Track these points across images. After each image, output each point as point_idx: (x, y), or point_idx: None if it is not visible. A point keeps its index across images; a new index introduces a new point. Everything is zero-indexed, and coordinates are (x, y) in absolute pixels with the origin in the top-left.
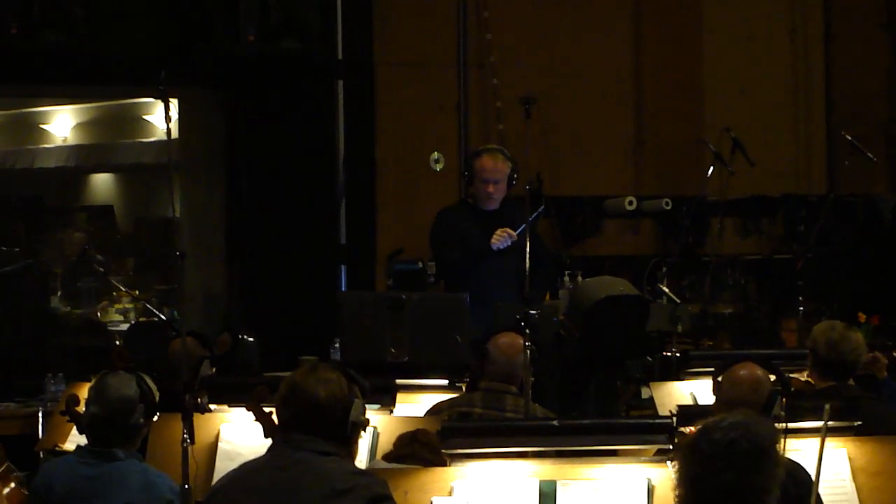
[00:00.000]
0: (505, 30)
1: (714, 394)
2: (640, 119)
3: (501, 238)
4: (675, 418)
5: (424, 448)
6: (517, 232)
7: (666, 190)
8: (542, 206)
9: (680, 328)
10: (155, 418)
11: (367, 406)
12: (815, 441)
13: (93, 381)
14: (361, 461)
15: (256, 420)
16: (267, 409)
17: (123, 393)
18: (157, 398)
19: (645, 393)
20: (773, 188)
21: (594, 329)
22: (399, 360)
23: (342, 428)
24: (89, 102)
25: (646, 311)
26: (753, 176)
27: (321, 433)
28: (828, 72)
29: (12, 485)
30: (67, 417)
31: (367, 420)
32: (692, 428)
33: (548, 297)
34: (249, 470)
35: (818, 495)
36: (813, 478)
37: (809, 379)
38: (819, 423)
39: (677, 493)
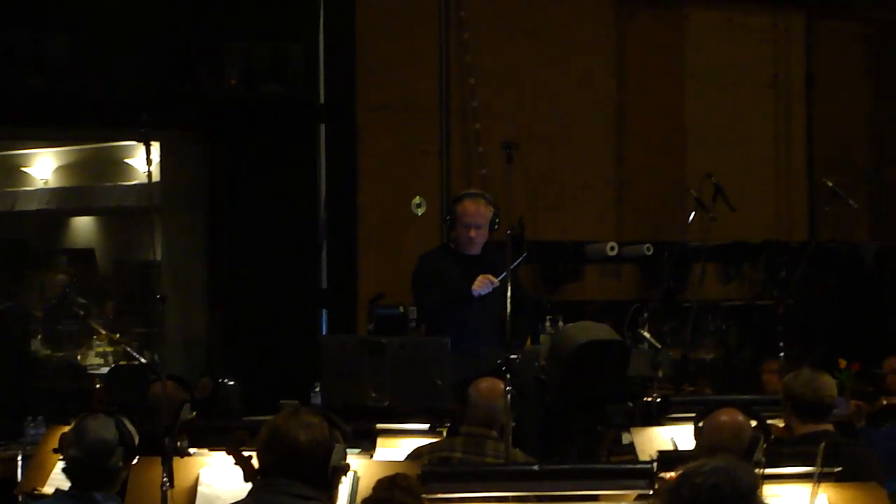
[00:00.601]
0: (488, 75)
1: (695, 439)
2: (622, 165)
3: (483, 284)
4: (655, 464)
5: (404, 493)
6: (499, 278)
7: (647, 235)
8: (525, 254)
9: (661, 373)
10: (134, 462)
11: (347, 450)
12: (794, 487)
13: (72, 424)
14: None
15: (236, 464)
16: (247, 453)
17: (102, 436)
18: (137, 441)
19: (626, 438)
20: (755, 234)
21: (575, 374)
22: (380, 405)
23: (323, 473)
24: (71, 145)
25: (627, 356)
26: (735, 222)
27: (302, 478)
28: (809, 118)
29: None
30: (59, 456)
31: (348, 465)
32: (672, 473)
33: (529, 342)
34: None
35: None
36: None
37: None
38: (800, 469)
39: None
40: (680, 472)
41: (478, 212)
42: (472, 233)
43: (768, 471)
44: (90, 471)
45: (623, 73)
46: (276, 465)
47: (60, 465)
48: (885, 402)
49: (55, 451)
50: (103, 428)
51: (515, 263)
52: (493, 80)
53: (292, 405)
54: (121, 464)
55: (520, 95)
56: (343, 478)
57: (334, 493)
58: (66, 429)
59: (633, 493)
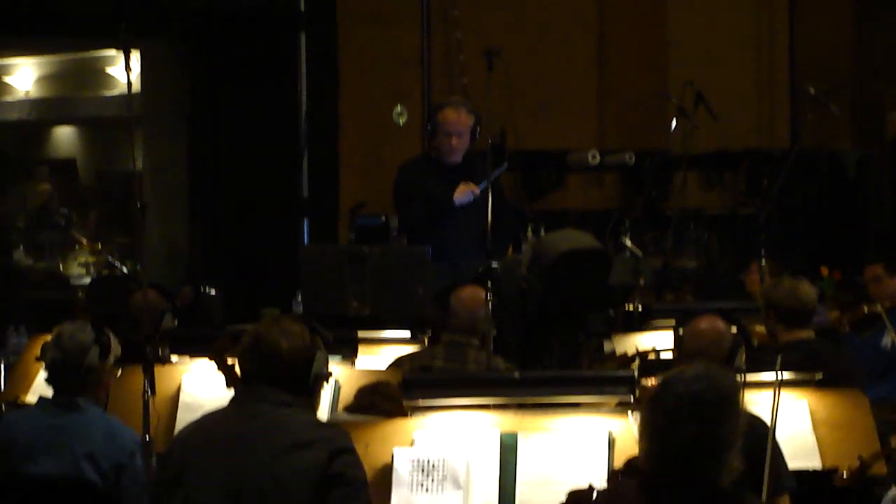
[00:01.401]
0: None
1: (676, 346)
2: (605, 73)
3: (465, 193)
4: (636, 370)
5: (385, 400)
6: (480, 188)
7: (629, 144)
8: (505, 164)
9: (642, 282)
10: (118, 374)
11: (329, 358)
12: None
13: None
14: (322, 413)
15: (219, 371)
16: (230, 361)
17: (78, 337)
18: (115, 346)
19: (607, 346)
20: (737, 143)
21: (557, 282)
22: (361, 313)
23: (304, 380)
24: (51, 55)
25: (608, 264)
26: (717, 130)
27: (284, 385)
28: (792, 26)
29: None
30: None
31: (330, 372)
32: (653, 380)
33: (510, 251)
34: (211, 421)
35: (777, 447)
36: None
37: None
38: (781, 375)
39: (641, 445)
40: (661, 379)
41: (459, 120)
42: (454, 141)
43: (749, 377)
44: (69, 373)
45: None
46: (258, 373)
47: (43, 373)
48: (866, 310)
49: (38, 359)
50: (79, 330)
51: (495, 174)
52: None
53: (274, 314)
54: (96, 362)
55: (501, 4)
56: (325, 385)
57: (316, 400)
58: (49, 337)
59: (614, 399)
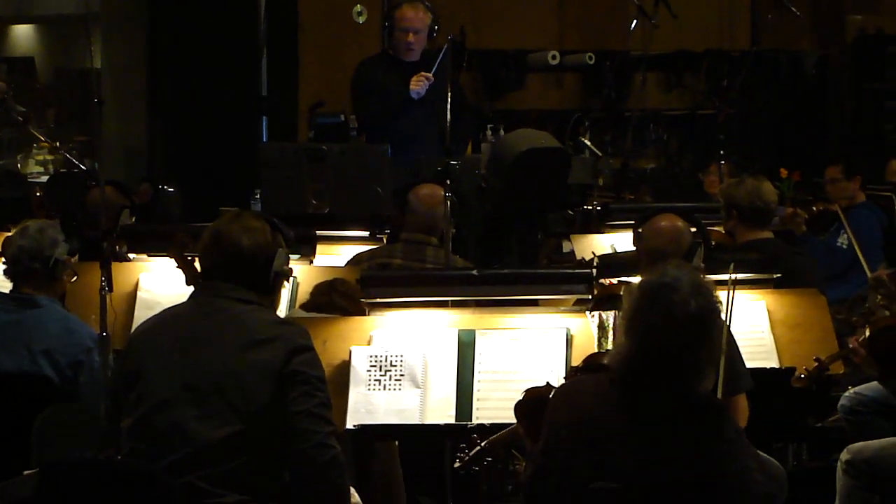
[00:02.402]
0: None
1: (634, 244)
2: None
3: (420, 83)
4: (595, 269)
5: (343, 297)
6: (432, 72)
7: (589, 44)
8: (447, 46)
9: (601, 181)
10: (74, 279)
11: (289, 256)
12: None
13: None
14: (281, 311)
15: (178, 267)
16: (189, 258)
17: (47, 231)
18: (75, 245)
19: (566, 246)
20: (697, 43)
21: (516, 181)
22: (320, 211)
23: (265, 277)
24: None
25: (567, 164)
26: (677, 31)
27: (244, 282)
28: None
29: None
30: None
31: (291, 270)
32: (613, 280)
33: (470, 149)
34: (170, 316)
35: (735, 346)
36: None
37: (730, 232)
38: (737, 276)
39: (620, 340)
40: (657, 279)
41: (416, 17)
42: (410, 37)
43: (707, 277)
44: (31, 262)
45: None
46: (218, 269)
47: (1, 267)
48: (821, 207)
49: None
50: (48, 226)
51: (442, 54)
52: None
53: (234, 211)
54: (64, 257)
55: None
56: (285, 283)
57: (276, 298)
58: (6, 234)
59: (572, 298)
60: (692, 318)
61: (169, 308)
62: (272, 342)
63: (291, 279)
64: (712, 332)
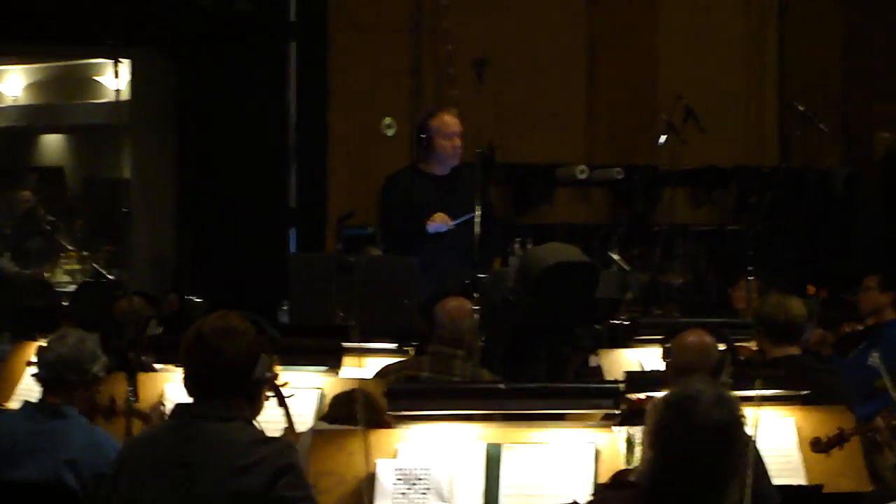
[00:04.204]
0: None
1: (663, 359)
2: (594, 87)
3: (436, 223)
4: (622, 384)
5: (364, 408)
6: (455, 223)
7: (618, 159)
8: (473, 214)
9: (629, 296)
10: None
11: (311, 367)
12: (763, 410)
13: (44, 338)
14: (306, 423)
15: None
16: None
17: (88, 343)
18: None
19: (593, 361)
20: (725, 159)
21: (544, 295)
22: (347, 323)
23: (245, 385)
24: (40, 62)
25: (595, 278)
26: (706, 146)
27: (224, 389)
28: (782, 43)
29: None
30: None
31: (275, 375)
32: (640, 395)
33: (498, 263)
34: (151, 440)
35: (762, 463)
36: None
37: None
38: (766, 392)
39: (646, 455)
40: (679, 393)
41: (455, 121)
42: (456, 142)
43: (735, 393)
44: (69, 373)
45: None
46: (198, 375)
47: (29, 377)
48: (848, 329)
49: (30, 363)
50: (88, 338)
51: (467, 217)
52: (465, 2)
53: (218, 312)
54: (102, 373)
55: (491, 17)
56: (265, 389)
57: (258, 405)
58: (34, 344)
59: (599, 412)
60: (715, 428)
61: (148, 431)
62: (254, 468)
63: (317, 392)
64: (736, 444)
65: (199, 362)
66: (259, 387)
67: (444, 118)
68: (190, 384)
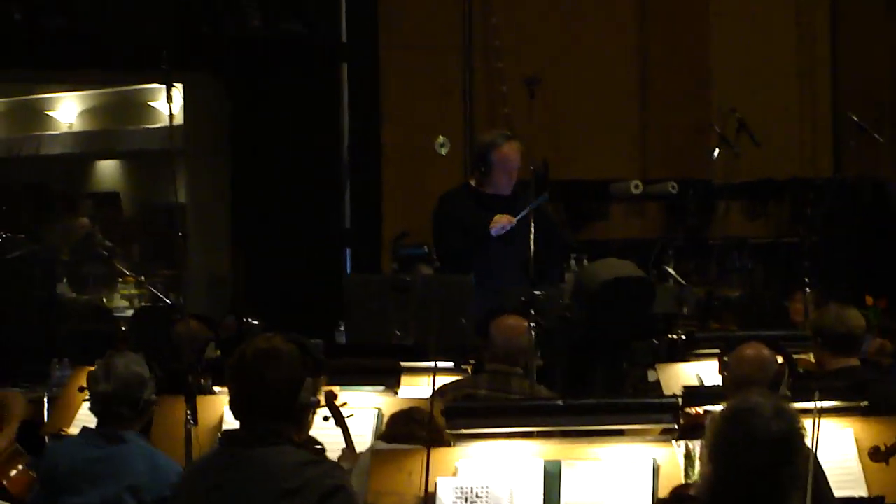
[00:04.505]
0: (510, 13)
1: (720, 373)
2: (646, 102)
3: (499, 223)
4: (680, 398)
5: (421, 427)
6: (517, 217)
7: (672, 173)
8: (546, 194)
9: (686, 310)
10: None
11: (369, 387)
12: (822, 421)
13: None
14: (365, 443)
15: None
16: None
17: (134, 369)
18: (160, 379)
19: (651, 376)
20: (780, 171)
21: (600, 311)
22: (404, 342)
23: (289, 409)
24: (94, 89)
25: (652, 293)
26: (760, 159)
27: (269, 413)
28: (834, 53)
29: (20, 466)
30: (85, 396)
31: (319, 401)
32: (698, 409)
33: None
34: (201, 467)
35: (823, 475)
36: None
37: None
38: (825, 404)
39: (705, 470)
40: (737, 405)
41: (517, 156)
42: (512, 176)
43: (794, 405)
44: (120, 406)
45: (646, 10)
46: (243, 398)
47: (86, 405)
48: None
49: (81, 389)
50: (134, 362)
51: (536, 203)
52: (515, 20)
53: (264, 336)
54: (153, 397)
55: (542, 34)
56: (314, 412)
57: (304, 427)
58: (92, 369)
59: (658, 427)
60: (774, 439)
61: (201, 458)
62: (301, 491)
63: (375, 412)
64: (796, 455)
65: (244, 386)
66: (304, 410)
67: (506, 153)
68: (236, 408)
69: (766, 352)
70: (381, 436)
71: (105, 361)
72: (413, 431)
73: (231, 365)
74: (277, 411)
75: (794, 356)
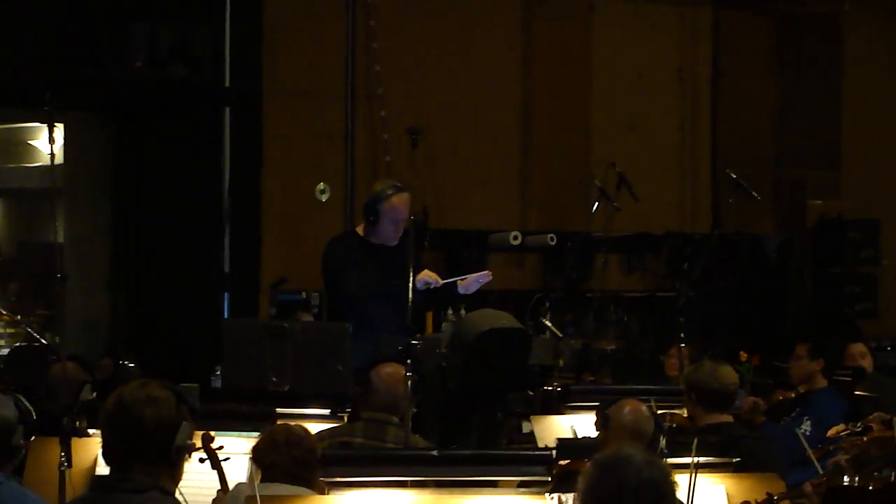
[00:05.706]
0: (393, 61)
1: (598, 428)
2: (527, 154)
3: (424, 279)
4: (554, 451)
5: (299, 466)
6: (445, 282)
7: (551, 225)
8: (489, 273)
9: (562, 362)
10: (31, 439)
11: (244, 432)
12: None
13: None
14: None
15: None
16: None
17: (2, 414)
18: (35, 419)
19: (526, 427)
20: (658, 225)
21: (477, 361)
22: (280, 389)
23: (166, 451)
24: None
25: (528, 344)
26: (638, 213)
27: (145, 456)
28: (714, 110)
29: None
30: None
31: (194, 444)
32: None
33: (430, 329)
34: None
35: None
36: None
37: (692, 416)
38: (698, 459)
39: None
40: (611, 457)
41: (406, 208)
42: (400, 227)
43: (669, 460)
44: None
45: (529, 62)
46: (118, 442)
47: None
48: (780, 397)
49: None
50: (2, 406)
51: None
52: (398, 68)
53: (139, 380)
54: (21, 442)
55: (425, 83)
56: (188, 456)
57: (178, 472)
58: None
59: (532, 479)
60: (646, 486)
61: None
62: None
63: (248, 458)
64: (668, 502)
65: (120, 428)
66: (180, 453)
67: (396, 204)
68: (109, 452)
69: (644, 409)
70: (254, 448)
71: None
72: (290, 465)
73: (108, 407)
74: (154, 454)
75: (669, 411)
